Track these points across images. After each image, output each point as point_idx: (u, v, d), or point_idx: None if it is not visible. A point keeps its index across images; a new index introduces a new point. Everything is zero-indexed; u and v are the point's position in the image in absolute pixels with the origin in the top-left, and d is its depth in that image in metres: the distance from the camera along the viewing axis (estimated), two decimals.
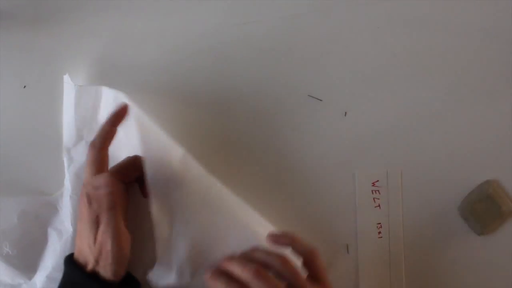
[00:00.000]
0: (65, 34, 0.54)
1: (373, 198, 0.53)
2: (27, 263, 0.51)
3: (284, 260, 0.44)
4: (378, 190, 0.53)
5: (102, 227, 0.45)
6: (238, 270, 0.43)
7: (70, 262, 0.47)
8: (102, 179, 0.46)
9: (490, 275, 0.52)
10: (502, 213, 0.51)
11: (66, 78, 0.52)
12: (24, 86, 0.54)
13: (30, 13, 0.54)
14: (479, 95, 0.53)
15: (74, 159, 0.52)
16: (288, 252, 0.45)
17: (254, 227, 0.49)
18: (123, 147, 0.51)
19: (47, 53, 0.54)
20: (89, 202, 0.45)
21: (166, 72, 0.54)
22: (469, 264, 0.52)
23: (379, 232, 0.53)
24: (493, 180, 0.53)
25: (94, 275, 0.45)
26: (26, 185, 0.53)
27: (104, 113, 0.51)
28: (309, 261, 0.45)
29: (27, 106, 0.54)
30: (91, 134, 0.51)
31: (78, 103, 0.51)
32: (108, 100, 0.52)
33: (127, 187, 0.48)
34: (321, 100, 0.53)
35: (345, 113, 0.53)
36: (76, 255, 0.47)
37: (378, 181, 0.53)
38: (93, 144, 0.47)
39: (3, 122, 0.53)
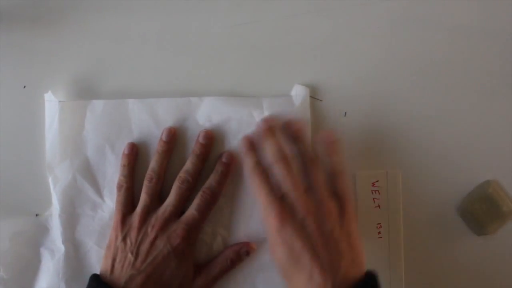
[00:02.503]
0: (65, 34, 0.54)
1: (373, 198, 0.53)
2: (22, 285, 0.52)
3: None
4: (378, 191, 0.53)
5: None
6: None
7: (101, 282, 0.47)
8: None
9: (490, 275, 0.52)
10: (502, 213, 0.51)
11: (48, 95, 0.52)
12: (24, 86, 0.54)
13: (30, 13, 0.54)
14: (479, 95, 0.53)
15: (60, 177, 0.52)
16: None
17: None
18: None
19: (47, 53, 0.54)
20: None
21: (166, 72, 0.54)
22: (469, 264, 0.52)
23: (379, 232, 0.53)
24: (493, 180, 0.53)
25: None
26: (27, 183, 0.53)
27: (89, 129, 0.52)
28: (335, 177, 0.47)
29: (27, 106, 0.54)
30: (76, 152, 0.52)
31: (61, 120, 0.52)
32: (95, 113, 0.52)
33: None
34: (321, 100, 0.53)
35: (345, 113, 0.53)
36: (106, 275, 0.47)
37: (378, 181, 0.53)
38: (186, 182, 0.49)
39: (3, 122, 0.53)
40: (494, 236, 0.52)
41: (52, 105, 0.52)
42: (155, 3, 0.54)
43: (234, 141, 0.52)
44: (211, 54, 0.54)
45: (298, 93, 0.52)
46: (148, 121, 0.52)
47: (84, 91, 0.53)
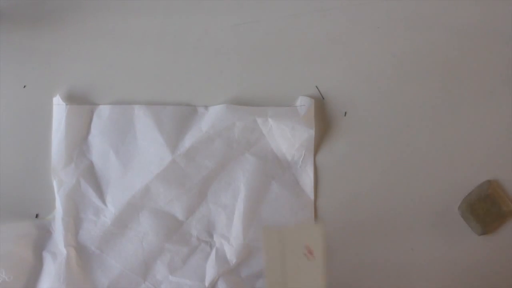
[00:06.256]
0: (65, 34, 0.54)
1: None
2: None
3: None
4: None
5: None
6: None
7: None
8: None
9: (490, 275, 0.52)
10: (502, 213, 0.51)
11: (56, 99, 0.52)
12: (24, 86, 0.54)
13: (30, 13, 0.54)
14: (479, 95, 0.53)
15: (64, 181, 0.52)
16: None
17: None
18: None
19: (47, 53, 0.54)
20: None
21: (166, 72, 0.54)
22: (469, 264, 0.52)
23: None
24: (493, 180, 0.53)
25: None
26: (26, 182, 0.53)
27: (95, 133, 0.52)
28: None
29: (27, 106, 0.54)
30: (81, 156, 0.52)
31: (68, 124, 0.52)
32: (102, 118, 0.53)
33: None
34: (323, 99, 0.53)
35: (345, 113, 0.53)
36: None
37: None
38: None
39: (3, 121, 0.53)
40: (494, 235, 0.52)
41: (60, 108, 0.52)
42: (154, 3, 0.54)
43: (238, 147, 0.52)
44: (212, 54, 0.54)
45: (303, 103, 0.52)
46: (153, 127, 0.52)
47: (84, 91, 0.53)
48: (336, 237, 0.53)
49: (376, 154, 0.53)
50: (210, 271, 0.52)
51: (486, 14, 0.53)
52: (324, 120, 0.53)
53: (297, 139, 0.52)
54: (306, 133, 0.52)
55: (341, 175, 0.53)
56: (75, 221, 0.52)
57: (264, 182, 0.52)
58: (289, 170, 0.53)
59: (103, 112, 0.53)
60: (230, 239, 0.52)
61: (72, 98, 0.53)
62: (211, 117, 0.52)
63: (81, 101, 0.53)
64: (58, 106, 0.52)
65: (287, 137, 0.52)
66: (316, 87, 0.53)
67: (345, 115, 0.53)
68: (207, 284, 0.52)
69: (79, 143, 0.53)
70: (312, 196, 0.52)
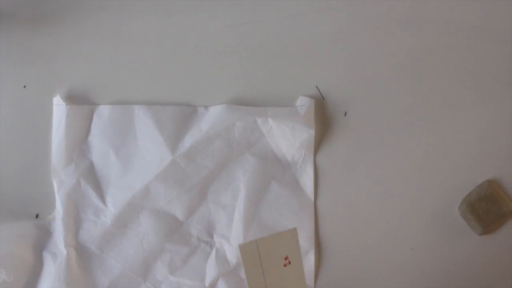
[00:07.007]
0: (65, 34, 0.54)
1: None
2: None
3: None
4: None
5: None
6: None
7: None
8: None
9: (490, 275, 0.52)
10: (502, 213, 0.51)
11: (56, 99, 0.53)
12: (24, 86, 0.54)
13: (30, 13, 0.54)
14: (479, 95, 0.53)
15: (64, 181, 0.52)
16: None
17: None
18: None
19: (47, 53, 0.54)
20: None
21: (166, 72, 0.54)
22: (469, 264, 0.52)
23: None
24: (493, 180, 0.53)
25: None
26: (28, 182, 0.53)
27: (95, 133, 0.52)
28: None
29: (27, 106, 0.54)
30: (81, 156, 0.53)
31: (68, 124, 0.52)
32: (102, 118, 0.53)
33: None
34: (323, 99, 0.53)
35: (345, 112, 0.53)
36: None
37: None
38: None
39: (3, 121, 0.53)
40: (494, 235, 0.52)
41: (60, 108, 0.52)
42: (154, 3, 0.54)
43: (238, 148, 0.52)
44: (212, 54, 0.54)
45: (303, 103, 0.52)
46: (153, 127, 0.52)
47: (84, 91, 0.53)
48: (336, 237, 0.53)
49: (376, 154, 0.53)
50: (210, 271, 0.52)
51: (486, 14, 0.53)
52: (324, 120, 0.53)
53: (297, 139, 0.52)
54: (306, 133, 0.52)
55: (341, 175, 0.53)
56: (75, 221, 0.52)
57: (264, 182, 0.52)
58: (289, 170, 0.53)
59: (103, 112, 0.53)
60: (230, 239, 0.52)
61: (72, 98, 0.53)
62: (211, 117, 0.52)
63: (81, 101, 0.53)
64: (58, 106, 0.52)
65: (287, 137, 0.52)
66: (316, 87, 0.53)
67: (345, 115, 0.53)
68: (207, 284, 0.52)
69: (79, 143, 0.53)
70: (312, 196, 0.52)
